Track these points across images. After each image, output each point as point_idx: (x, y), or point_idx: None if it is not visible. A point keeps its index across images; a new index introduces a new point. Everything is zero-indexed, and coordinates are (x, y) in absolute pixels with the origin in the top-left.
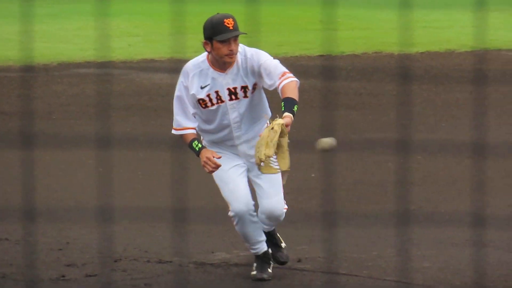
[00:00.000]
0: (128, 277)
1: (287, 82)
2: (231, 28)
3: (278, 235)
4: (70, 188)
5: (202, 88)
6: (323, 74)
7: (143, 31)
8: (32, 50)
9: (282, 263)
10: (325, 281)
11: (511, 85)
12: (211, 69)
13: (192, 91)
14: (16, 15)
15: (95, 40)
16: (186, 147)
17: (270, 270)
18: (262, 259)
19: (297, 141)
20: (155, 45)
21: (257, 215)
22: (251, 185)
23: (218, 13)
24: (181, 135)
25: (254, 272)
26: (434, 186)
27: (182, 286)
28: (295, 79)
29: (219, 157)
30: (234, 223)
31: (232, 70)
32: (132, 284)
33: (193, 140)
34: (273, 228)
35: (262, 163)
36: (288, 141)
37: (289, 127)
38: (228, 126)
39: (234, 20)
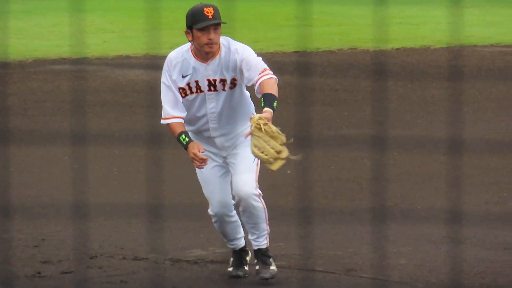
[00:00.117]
0: (103, 274)
1: (266, 79)
2: (210, 17)
3: (271, 259)
4: (46, 184)
5: (183, 77)
6: (298, 71)
7: (118, 27)
8: (7, 46)
9: (265, 278)
10: (301, 278)
11: (487, 81)
12: (193, 59)
13: (174, 78)
14: None
15: (70, 36)
16: (162, 143)
17: (246, 268)
18: (239, 255)
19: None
20: (130, 41)
21: (237, 213)
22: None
23: (201, 3)
24: (169, 125)
25: (230, 269)
26: (410, 183)
27: (158, 283)
28: (274, 76)
29: (203, 152)
30: (213, 221)
31: (214, 61)
32: (108, 281)
33: (180, 133)
34: (263, 244)
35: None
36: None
37: (270, 122)
38: (204, 116)
39: (214, 9)
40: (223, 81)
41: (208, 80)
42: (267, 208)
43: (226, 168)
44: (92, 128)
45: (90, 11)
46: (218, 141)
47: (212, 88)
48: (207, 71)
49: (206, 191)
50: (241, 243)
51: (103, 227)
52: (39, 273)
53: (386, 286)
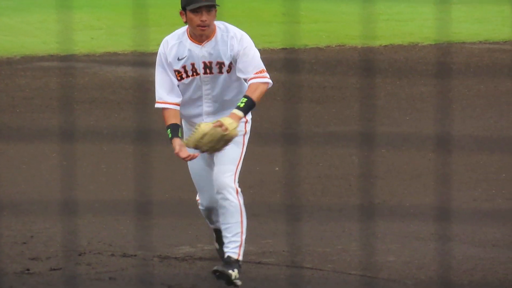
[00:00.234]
0: (92, 270)
1: (258, 82)
2: None
3: (235, 271)
4: (34, 181)
5: (179, 59)
6: (286, 68)
7: (105, 24)
8: None
9: (218, 271)
10: (290, 275)
11: (475, 78)
12: (189, 41)
13: (169, 61)
14: None
15: (57, 33)
16: (151, 140)
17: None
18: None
19: (261, 135)
20: (118, 38)
21: None
22: None
23: None
24: (162, 111)
25: (216, 245)
26: (399, 180)
27: (146, 280)
28: (269, 80)
29: (185, 157)
30: (199, 207)
31: (210, 43)
32: (97, 278)
33: (168, 126)
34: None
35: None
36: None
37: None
38: (200, 98)
39: None
40: (219, 63)
41: (204, 62)
42: (244, 212)
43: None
44: (81, 125)
45: (77, 8)
46: None
47: (208, 71)
48: (202, 53)
49: (196, 185)
50: None
51: (92, 224)
52: (27, 269)
53: (374, 283)
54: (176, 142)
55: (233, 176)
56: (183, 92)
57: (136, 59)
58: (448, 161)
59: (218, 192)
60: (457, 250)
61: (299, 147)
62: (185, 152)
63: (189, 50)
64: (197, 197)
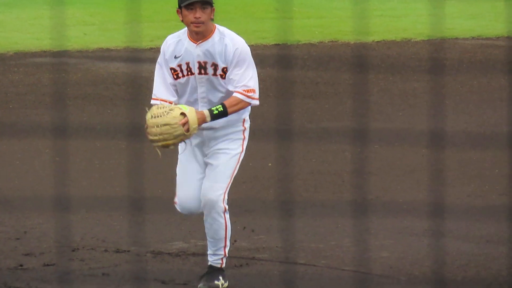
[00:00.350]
0: (85, 266)
1: (242, 99)
2: None
3: (221, 279)
4: (27, 177)
5: (175, 57)
6: (279, 63)
7: (98, 20)
8: None
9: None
10: (283, 271)
11: (469, 74)
12: (187, 40)
13: (166, 58)
14: None
15: (50, 29)
16: (144, 136)
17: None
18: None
19: (254, 130)
20: (111, 34)
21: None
22: None
23: None
24: None
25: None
26: (392, 176)
27: (139, 275)
28: (253, 102)
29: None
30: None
31: (206, 43)
32: (90, 273)
33: None
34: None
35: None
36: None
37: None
38: (196, 101)
39: None
40: (214, 65)
41: (199, 62)
42: (230, 230)
43: (203, 167)
44: (73, 121)
45: (70, 4)
46: (205, 133)
47: (202, 71)
48: (197, 52)
49: (177, 182)
50: None
51: (85, 219)
52: (21, 265)
53: (368, 279)
54: None
55: (223, 195)
56: (180, 94)
57: (129, 55)
58: (441, 157)
59: (205, 208)
60: (451, 246)
61: (292, 143)
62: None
63: (186, 48)
64: (175, 199)
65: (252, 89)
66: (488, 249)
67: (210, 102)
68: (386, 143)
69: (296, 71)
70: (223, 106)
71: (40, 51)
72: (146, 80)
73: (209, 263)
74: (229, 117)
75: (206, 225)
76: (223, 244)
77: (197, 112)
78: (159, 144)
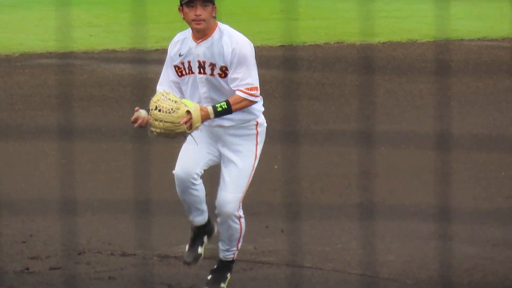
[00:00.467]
0: (91, 270)
1: (245, 97)
2: None
3: (227, 275)
4: (33, 179)
5: (180, 55)
6: (284, 65)
7: (104, 21)
8: None
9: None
10: (289, 274)
11: (474, 75)
12: (190, 38)
13: (171, 56)
14: None
15: (56, 30)
16: (150, 138)
17: (199, 250)
18: (195, 234)
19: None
20: (116, 36)
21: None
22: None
23: None
24: None
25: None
26: (398, 178)
27: (145, 279)
28: (256, 99)
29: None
30: (176, 185)
31: (206, 42)
32: (96, 277)
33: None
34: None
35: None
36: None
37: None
38: (199, 102)
39: None
40: (212, 65)
41: (199, 61)
42: (244, 229)
43: (215, 150)
44: (79, 122)
45: (76, 5)
46: (215, 131)
47: (201, 71)
48: (197, 51)
49: (180, 152)
50: (199, 219)
51: (91, 222)
52: (27, 268)
53: (375, 282)
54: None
55: (238, 204)
56: (184, 93)
57: (134, 56)
58: (447, 159)
59: (221, 217)
60: (457, 249)
61: (298, 145)
62: (139, 113)
63: (189, 47)
64: (173, 171)
65: (255, 87)
66: (494, 253)
67: (213, 102)
68: (392, 145)
69: (302, 72)
70: (227, 103)
71: (46, 53)
72: (151, 82)
73: (220, 258)
74: (239, 117)
75: (221, 229)
76: (236, 242)
77: (201, 108)
78: (160, 136)
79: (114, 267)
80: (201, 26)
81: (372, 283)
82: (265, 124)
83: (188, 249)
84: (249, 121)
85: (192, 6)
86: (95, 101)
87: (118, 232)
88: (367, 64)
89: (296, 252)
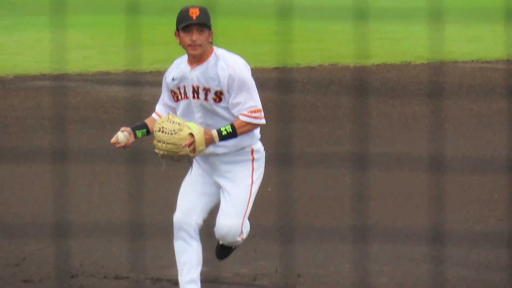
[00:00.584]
0: None
1: (249, 121)
2: (194, 17)
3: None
4: (27, 202)
5: (173, 80)
6: (279, 87)
7: (98, 43)
8: None
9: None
10: None
11: (468, 97)
12: (185, 63)
13: (167, 80)
14: None
15: (50, 52)
16: (143, 160)
17: None
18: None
19: None
20: (111, 57)
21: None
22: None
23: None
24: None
25: None
26: (392, 201)
27: None
28: (260, 122)
29: (121, 144)
30: (174, 233)
31: (201, 67)
32: None
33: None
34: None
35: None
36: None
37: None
38: None
39: (201, 10)
40: (206, 90)
41: (193, 86)
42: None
43: (212, 185)
44: (73, 145)
45: (70, 27)
46: (209, 162)
47: (195, 96)
48: (191, 76)
49: (179, 195)
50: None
51: (84, 245)
52: None
53: None
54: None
55: (239, 230)
56: (182, 117)
57: (128, 78)
58: (440, 182)
59: (222, 238)
60: (450, 271)
61: (292, 167)
62: (116, 138)
63: (184, 72)
64: (173, 216)
65: (258, 109)
66: (487, 275)
67: (209, 127)
68: (385, 168)
69: (296, 94)
70: (232, 127)
71: (40, 75)
72: (146, 104)
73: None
74: (233, 143)
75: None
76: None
77: (206, 132)
78: (164, 158)
79: None
80: (197, 51)
81: None
82: (263, 151)
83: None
84: (243, 148)
85: (189, 31)
86: (89, 123)
87: (111, 255)
88: (361, 86)
89: (290, 275)
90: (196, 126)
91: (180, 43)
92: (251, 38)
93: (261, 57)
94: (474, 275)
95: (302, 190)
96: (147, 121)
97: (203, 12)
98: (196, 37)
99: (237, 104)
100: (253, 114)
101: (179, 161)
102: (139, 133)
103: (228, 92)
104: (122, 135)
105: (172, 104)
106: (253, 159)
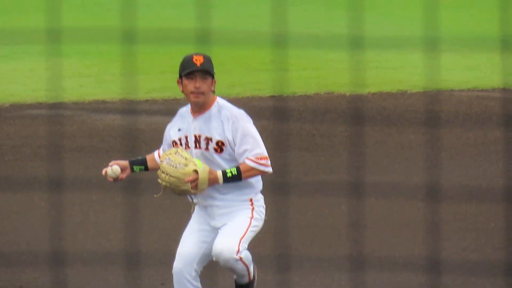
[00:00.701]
0: None
1: (255, 167)
2: (198, 65)
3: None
4: (23, 230)
5: (179, 130)
6: (275, 115)
7: (94, 72)
8: None
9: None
10: None
11: (464, 126)
12: (188, 113)
13: (171, 132)
14: None
15: (46, 80)
16: (140, 189)
17: None
18: None
19: None
20: (107, 86)
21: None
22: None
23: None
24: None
25: None
26: (388, 229)
27: None
28: (266, 169)
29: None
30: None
31: (203, 116)
32: None
33: (137, 160)
34: (244, 281)
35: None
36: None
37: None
38: None
39: (205, 58)
40: (207, 139)
41: (195, 136)
42: (250, 263)
43: (211, 232)
44: (69, 173)
45: (66, 56)
46: (210, 211)
47: (197, 145)
48: (194, 126)
49: (179, 243)
50: None
51: (81, 274)
52: None
53: None
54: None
55: (236, 249)
56: None
57: (125, 107)
58: (437, 210)
59: (219, 262)
60: None
61: (288, 195)
62: (105, 172)
63: (187, 122)
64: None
65: (265, 157)
66: None
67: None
68: (382, 196)
69: (292, 123)
70: (237, 169)
71: (36, 103)
72: (141, 132)
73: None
74: (232, 195)
75: (228, 270)
76: (247, 275)
77: (210, 171)
78: (166, 190)
79: None
80: (200, 99)
81: None
82: (263, 203)
83: None
84: (242, 201)
85: (192, 78)
86: (85, 152)
87: (108, 283)
88: (357, 115)
89: None
90: (202, 164)
91: (182, 91)
92: (247, 67)
93: (257, 86)
94: None
95: (298, 219)
96: (148, 157)
97: (207, 59)
98: (199, 84)
99: (244, 151)
100: (260, 161)
101: (180, 195)
102: (136, 168)
103: (233, 142)
104: (110, 170)
105: None
106: (252, 209)
